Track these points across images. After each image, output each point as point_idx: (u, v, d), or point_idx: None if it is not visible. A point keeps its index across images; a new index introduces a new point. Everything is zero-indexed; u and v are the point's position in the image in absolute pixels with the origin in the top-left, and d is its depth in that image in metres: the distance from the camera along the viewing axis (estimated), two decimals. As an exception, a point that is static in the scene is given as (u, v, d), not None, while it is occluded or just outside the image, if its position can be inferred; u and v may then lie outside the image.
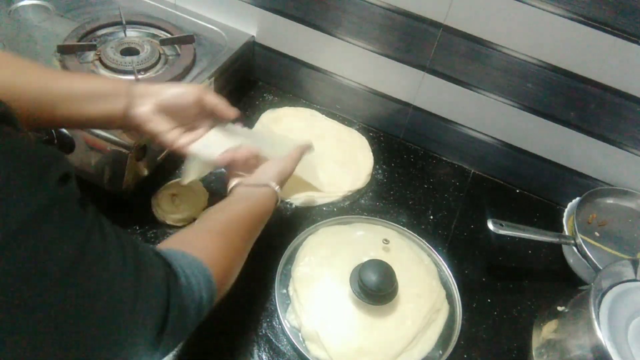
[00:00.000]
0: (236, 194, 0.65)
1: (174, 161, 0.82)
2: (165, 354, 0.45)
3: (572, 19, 0.70)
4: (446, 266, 0.77)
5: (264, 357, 0.65)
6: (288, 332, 0.66)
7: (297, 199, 0.83)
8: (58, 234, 0.33)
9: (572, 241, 0.76)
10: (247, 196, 0.64)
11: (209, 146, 0.66)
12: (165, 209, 0.75)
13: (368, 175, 0.89)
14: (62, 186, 0.35)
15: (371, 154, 0.93)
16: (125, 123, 0.62)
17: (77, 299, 0.34)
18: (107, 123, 0.63)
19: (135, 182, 0.76)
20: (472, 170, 0.96)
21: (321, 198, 0.84)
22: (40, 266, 0.32)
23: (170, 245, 0.51)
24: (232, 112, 0.68)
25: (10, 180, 0.31)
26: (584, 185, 0.87)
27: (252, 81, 1.04)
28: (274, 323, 0.68)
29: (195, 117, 0.67)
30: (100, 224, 0.38)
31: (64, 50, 0.82)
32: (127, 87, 0.62)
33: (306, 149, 0.75)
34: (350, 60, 0.92)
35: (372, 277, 0.65)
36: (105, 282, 0.36)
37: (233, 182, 0.66)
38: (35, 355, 0.32)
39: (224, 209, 0.61)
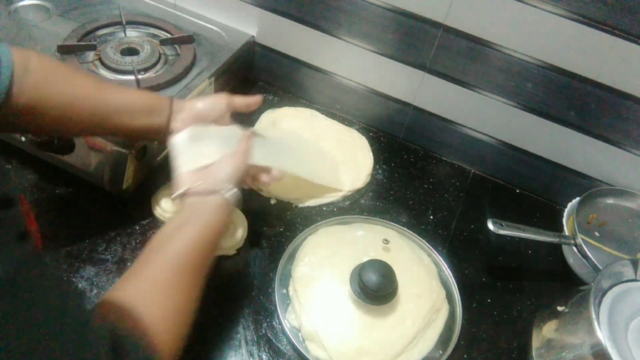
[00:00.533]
0: (185, 210, 0.59)
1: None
2: None
3: (572, 19, 0.70)
4: (446, 266, 0.77)
5: (264, 357, 0.65)
6: (288, 332, 0.66)
7: (298, 199, 0.83)
8: None
9: (572, 241, 0.76)
10: (198, 212, 0.58)
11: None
12: (165, 208, 0.75)
13: (368, 175, 0.89)
14: None
15: (371, 154, 0.93)
16: (164, 136, 0.66)
17: None
18: (150, 134, 0.67)
19: (135, 182, 0.76)
20: (472, 170, 0.96)
21: (321, 198, 0.84)
22: None
23: (115, 304, 0.46)
24: (258, 98, 0.74)
25: None
26: (584, 185, 0.87)
27: (252, 81, 1.04)
28: (274, 323, 0.68)
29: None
30: (42, 271, 0.35)
31: (64, 50, 0.82)
32: (169, 102, 0.66)
33: (249, 134, 0.69)
34: (350, 60, 0.92)
35: (372, 277, 0.65)
36: (29, 326, 0.32)
37: (180, 189, 0.60)
38: None
39: (172, 241, 0.54)
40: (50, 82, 0.57)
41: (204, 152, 0.64)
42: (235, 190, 0.61)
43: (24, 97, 0.54)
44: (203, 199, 0.59)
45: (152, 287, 0.50)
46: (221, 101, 0.70)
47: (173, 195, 0.61)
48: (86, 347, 0.36)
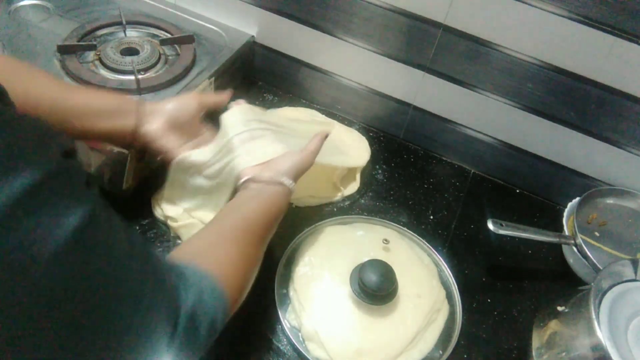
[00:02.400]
0: (249, 191, 0.62)
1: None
2: None
3: (572, 19, 0.70)
4: (446, 266, 0.77)
5: (263, 357, 0.65)
6: (288, 332, 0.66)
7: (298, 199, 0.83)
8: (60, 205, 0.32)
9: (572, 241, 0.76)
10: (260, 195, 0.62)
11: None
12: (166, 209, 0.75)
13: (367, 174, 0.89)
14: (66, 159, 0.34)
15: (370, 154, 0.92)
16: (134, 140, 0.65)
17: (76, 273, 0.32)
18: (116, 139, 0.65)
19: (135, 182, 0.76)
20: (472, 170, 0.96)
21: (321, 198, 0.84)
22: (41, 236, 0.30)
23: (183, 255, 0.49)
24: (225, 95, 0.72)
25: (11, 149, 0.30)
26: (584, 185, 0.87)
27: (252, 81, 1.04)
28: (274, 323, 0.68)
29: (201, 127, 0.70)
30: (108, 209, 0.37)
31: (64, 50, 0.82)
32: (136, 104, 0.65)
33: (324, 135, 0.72)
34: (350, 60, 0.92)
35: (372, 277, 0.65)
36: (108, 261, 0.35)
37: (245, 176, 0.63)
38: (30, 333, 0.31)
39: (237, 211, 0.59)
40: (8, 80, 0.56)
41: (262, 149, 0.66)
42: (293, 184, 0.64)
43: None
44: (265, 186, 0.62)
45: (220, 239, 0.55)
46: (192, 101, 0.69)
47: (241, 180, 0.63)
48: (152, 274, 0.40)
